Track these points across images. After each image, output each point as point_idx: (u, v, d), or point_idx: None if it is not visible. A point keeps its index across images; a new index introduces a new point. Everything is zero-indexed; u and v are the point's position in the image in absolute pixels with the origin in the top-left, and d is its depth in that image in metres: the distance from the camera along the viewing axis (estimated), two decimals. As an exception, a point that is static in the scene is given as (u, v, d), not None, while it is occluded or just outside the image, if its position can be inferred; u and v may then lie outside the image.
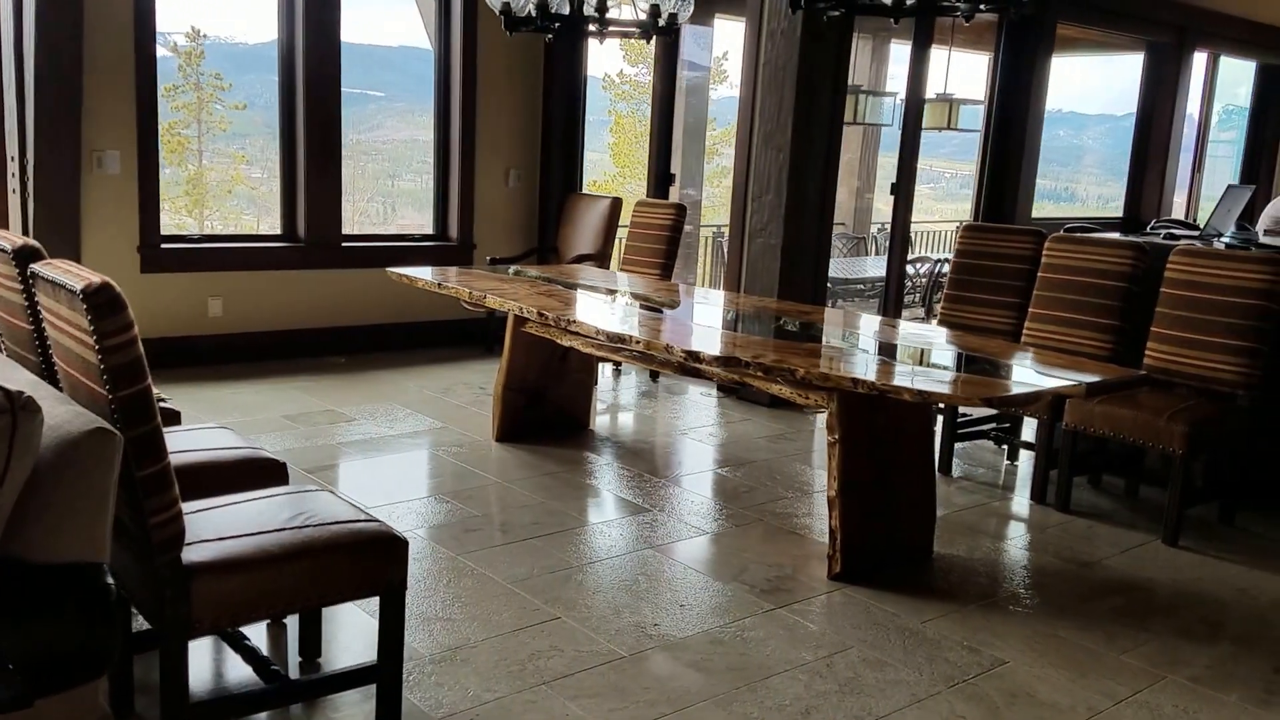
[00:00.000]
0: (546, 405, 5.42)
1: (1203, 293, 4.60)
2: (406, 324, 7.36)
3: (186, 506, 2.79)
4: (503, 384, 5.25)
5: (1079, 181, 13.10)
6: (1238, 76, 11.02)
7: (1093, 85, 12.11)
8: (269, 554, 2.56)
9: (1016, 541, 4.45)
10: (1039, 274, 5.13)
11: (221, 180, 8.44)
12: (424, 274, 5.26)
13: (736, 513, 4.53)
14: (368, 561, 2.67)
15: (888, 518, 3.98)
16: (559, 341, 4.90)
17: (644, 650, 3.25)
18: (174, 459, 3.24)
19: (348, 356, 7.03)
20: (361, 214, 8.99)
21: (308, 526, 2.67)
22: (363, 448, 5.18)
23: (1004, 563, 4.18)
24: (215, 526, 2.66)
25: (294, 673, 3.10)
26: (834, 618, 3.56)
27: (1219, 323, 4.51)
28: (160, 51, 6.37)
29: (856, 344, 4.48)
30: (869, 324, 5.02)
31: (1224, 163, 11.51)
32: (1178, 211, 10.15)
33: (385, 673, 2.75)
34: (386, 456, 5.10)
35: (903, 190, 7.90)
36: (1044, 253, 5.15)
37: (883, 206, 11.72)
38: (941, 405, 5.16)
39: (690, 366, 4.16)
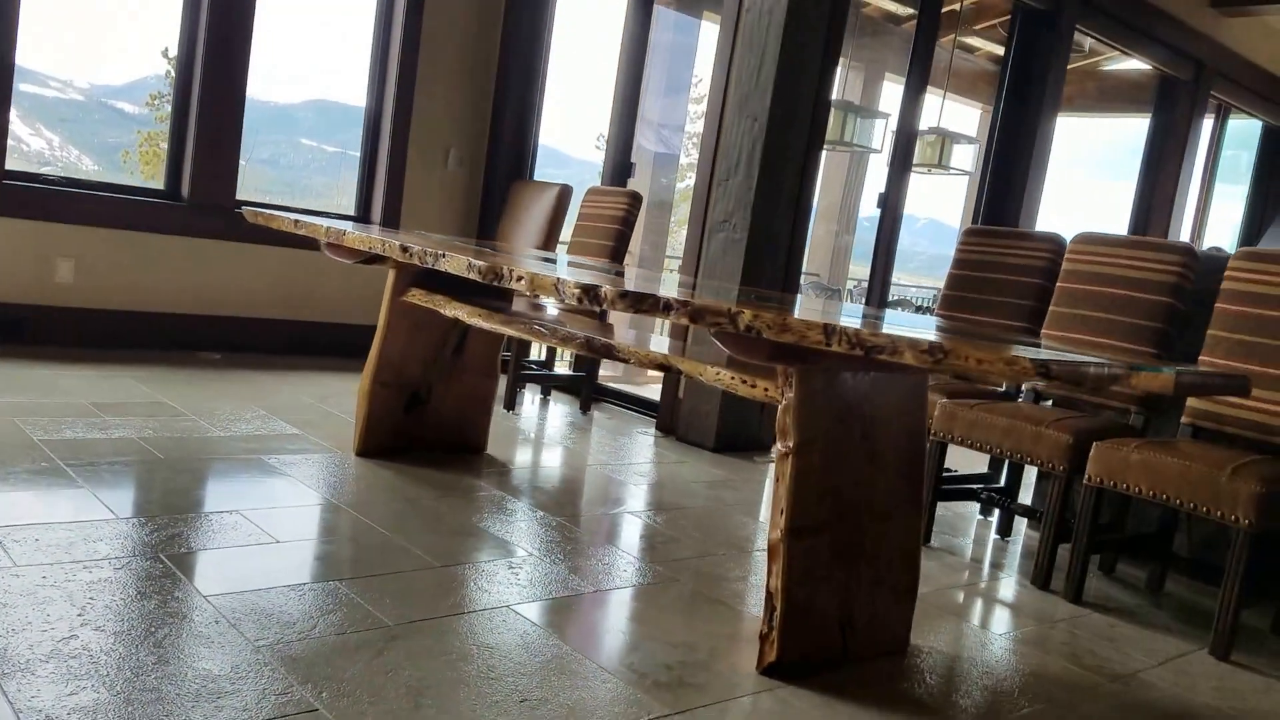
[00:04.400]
0: (429, 412, 4.08)
1: (1277, 309, 3.37)
2: (311, 323, 5.96)
3: None
4: (372, 375, 3.90)
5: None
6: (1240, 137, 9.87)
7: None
8: None
9: (1019, 635, 3.09)
10: (1058, 284, 3.98)
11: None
12: (284, 214, 3.88)
13: (647, 567, 3.19)
14: None
15: (852, 581, 2.63)
16: (443, 312, 3.56)
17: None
18: None
19: (226, 354, 5.66)
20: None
21: None
22: (167, 445, 3.75)
23: (1007, 666, 2.83)
24: None
25: None
26: (757, 737, 2.21)
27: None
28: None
29: (837, 313, 3.17)
30: (852, 308, 3.73)
31: (1224, 226, 10.23)
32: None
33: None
34: (189, 458, 3.66)
35: (890, 206, 6.49)
36: (1066, 257, 3.96)
37: (860, 269, 10.47)
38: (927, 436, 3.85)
39: (590, 310, 2.81)
